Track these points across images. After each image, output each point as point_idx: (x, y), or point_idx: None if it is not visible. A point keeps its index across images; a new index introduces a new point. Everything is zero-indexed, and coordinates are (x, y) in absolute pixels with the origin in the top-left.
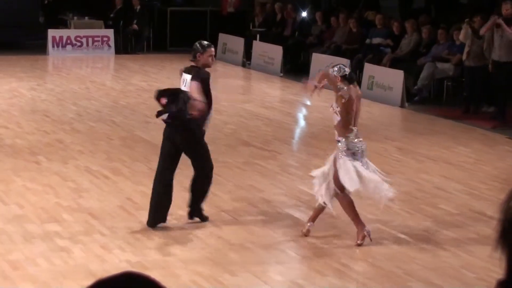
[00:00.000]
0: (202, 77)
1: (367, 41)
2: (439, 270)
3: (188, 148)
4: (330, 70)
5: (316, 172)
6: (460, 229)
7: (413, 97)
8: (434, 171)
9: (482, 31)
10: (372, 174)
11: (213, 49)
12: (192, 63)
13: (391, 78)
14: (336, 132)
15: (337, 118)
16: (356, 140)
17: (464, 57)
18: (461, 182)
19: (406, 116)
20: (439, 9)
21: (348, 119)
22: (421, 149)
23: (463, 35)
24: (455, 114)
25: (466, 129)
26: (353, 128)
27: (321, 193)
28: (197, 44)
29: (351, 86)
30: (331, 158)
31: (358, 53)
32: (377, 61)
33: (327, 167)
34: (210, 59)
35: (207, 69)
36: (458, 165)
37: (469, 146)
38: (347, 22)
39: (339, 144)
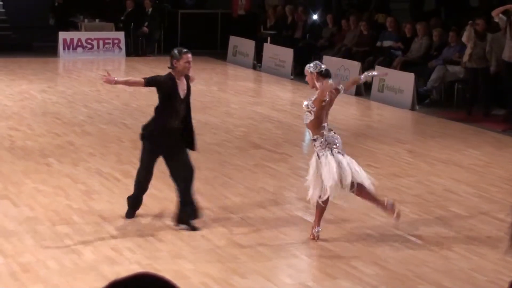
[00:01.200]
0: (158, 85)
1: (378, 43)
2: (449, 273)
3: None
4: (306, 67)
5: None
6: (471, 232)
7: (423, 100)
8: (444, 174)
9: (494, 13)
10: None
11: (190, 55)
12: (170, 70)
13: (402, 81)
14: (310, 132)
15: (310, 117)
16: (331, 133)
17: (465, 58)
18: (472, 184)
19: (416, 119)
20: (450, 12)
21: (321, 119)
22: (431, 152)
23: (466, 36)
24: (466, 117)
25: (476, 131)
26: (324, 124)
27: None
28: (174, 50)
29: (328, 81)
30: (314, 159)
31: (369, 56)
32: (388, 64)
33: (313, 170)
34: (187, 65)
35: (182, 76)
36: (469, 168)
37: (479, 148)
38: (358, 25)
39: (316, 142)
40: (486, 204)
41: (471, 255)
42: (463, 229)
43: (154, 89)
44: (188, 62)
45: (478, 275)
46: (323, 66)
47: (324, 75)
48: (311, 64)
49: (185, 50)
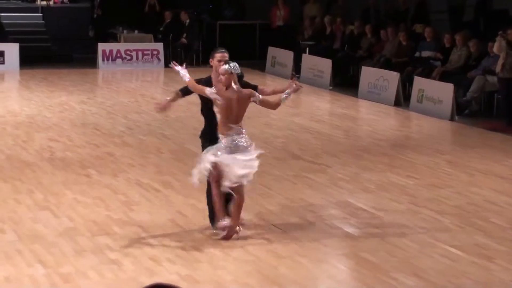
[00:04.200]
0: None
1: (417, 54)
2: (490, 284)
3: None
4: (227, 67)
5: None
6: None
7: (463, 110)
8: (484, 185)
9: None
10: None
11: (219, 54)
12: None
13: (441, 91)
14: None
15: (218, 116)
16: (236, 138)
17: (498, 69)
18: None
19: (456, 130)
20: (489, 22)
21: (223, 120)
22: (471, 163)
23: (497, 47)
24: (506, 127)
25: None
26: (233, 126)
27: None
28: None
29: (236, 87)
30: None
31: (408, 66)
32: (427, 74)
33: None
34: (218, 63)
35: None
36: (509, 179)
37: None
38: (397, 35)
39: (218, 140)
40: None
41: None
42: (504, 240)
43: (192, 99)
44: (219, 60)
45: None
46: (239, 70)
47: (240, 77)
48: (232, 65)
49: (222, 50)
